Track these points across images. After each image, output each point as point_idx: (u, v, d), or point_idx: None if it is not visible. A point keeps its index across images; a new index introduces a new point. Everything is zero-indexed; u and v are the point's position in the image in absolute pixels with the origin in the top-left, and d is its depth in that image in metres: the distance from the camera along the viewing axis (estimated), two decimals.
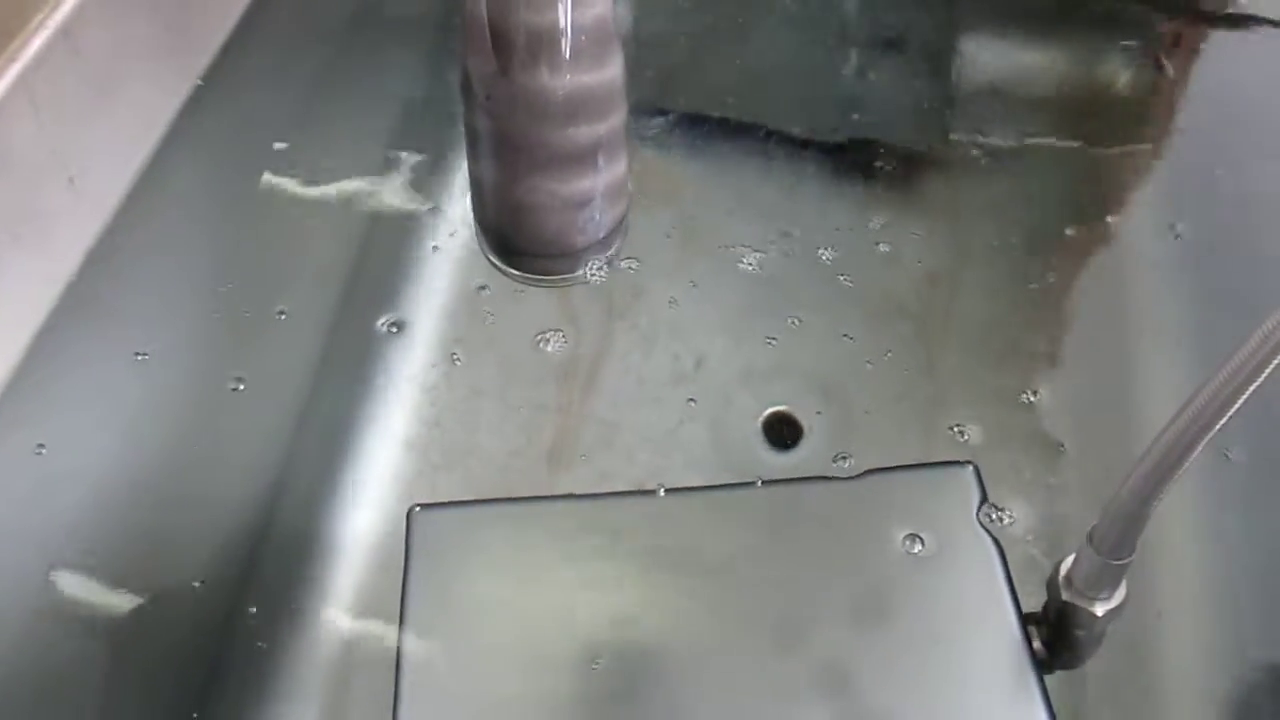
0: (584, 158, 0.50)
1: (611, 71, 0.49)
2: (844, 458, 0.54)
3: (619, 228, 0.55)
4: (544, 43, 0.46)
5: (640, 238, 0.62)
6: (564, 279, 0.55)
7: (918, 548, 0.49)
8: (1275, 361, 0.33)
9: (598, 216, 0.53)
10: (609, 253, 0.55)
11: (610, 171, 0.52)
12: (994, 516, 0.50)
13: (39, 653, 0.48)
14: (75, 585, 0.49)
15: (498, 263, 0.55)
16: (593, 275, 0.54)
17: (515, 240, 0.54)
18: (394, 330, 0.60)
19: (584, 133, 0.49)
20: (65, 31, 0.57)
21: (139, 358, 0.58)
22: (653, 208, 0.66)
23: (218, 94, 0.69)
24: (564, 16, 0.45)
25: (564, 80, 0.47)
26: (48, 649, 0.48)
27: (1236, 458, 0.54)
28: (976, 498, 0.51)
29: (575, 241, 0.53)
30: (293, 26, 0.76)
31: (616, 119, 0.50)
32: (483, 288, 0.62)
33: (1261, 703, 0.47)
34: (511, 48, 0.46)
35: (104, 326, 0.59)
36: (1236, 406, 0.34)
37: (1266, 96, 0.75)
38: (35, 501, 0.52)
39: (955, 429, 0.55)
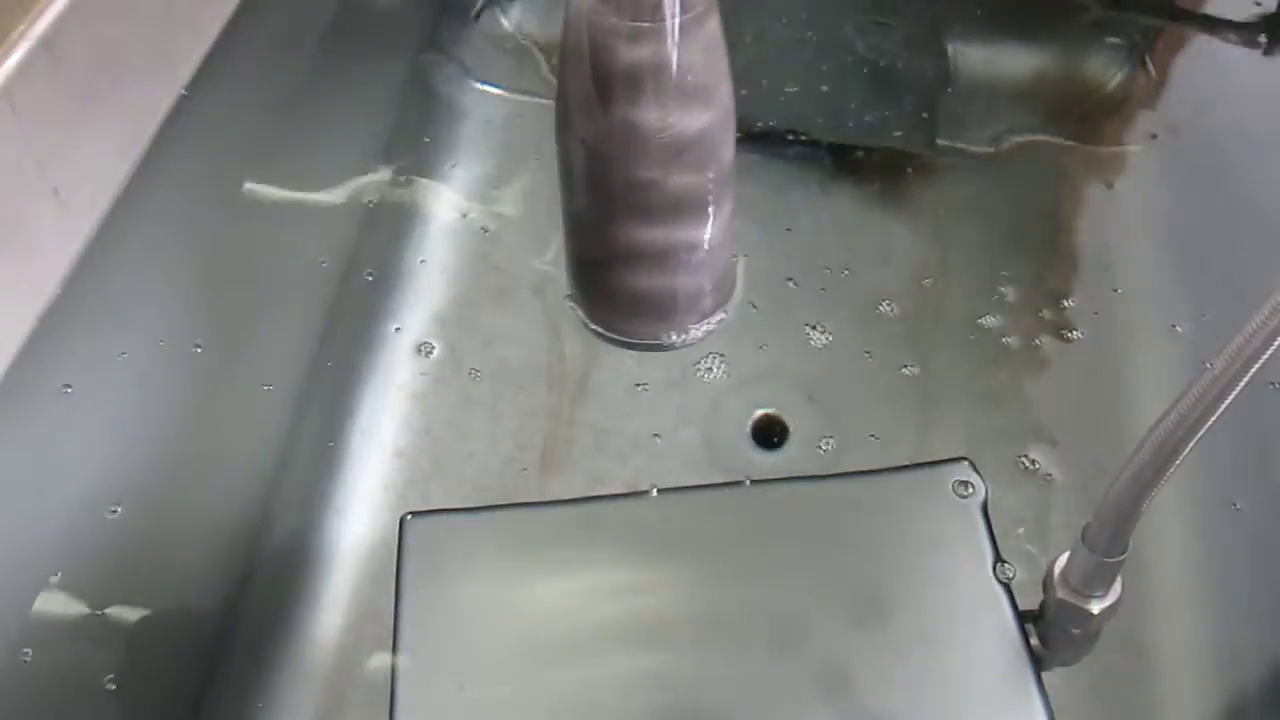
0: (691, 205, 0.46)
1: (721, 110, 0.44)
2: (836, 457, 0.54)
3: (726, 286, 0.50)
4: (648, 77, 0.42)
5: None
6: (660, 344, 0.50)
7: (913, 545, 0.49)
8: (1265, 356, 0.33)
9: (703, 272, 0.48)
10: (713, 317, 0.50)
11: (719, 221, 0.47)
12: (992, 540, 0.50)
13: (29, 663, 0.47)
14: (67, 596, 0.49)
15: (587, 320, 0.50)
16: (690, 341, 0.49)
17: (610, 294, 0.49)
18: (383, 339, 0.60)
19: (689, 177, 0.45)
20: (47, 42, 0.57)
21: (127, 368, 0.58)
22: None
23: (202, 103, 0.69)
24: (672, 50, 0.41)
25: (668, 118, 0.42)
26: (39, 659, 0.47)
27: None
28: (972, 494, 0.51)
29: (676, 302, 0.49)
30: (277, 36, 0.76)
31: (725, 163, 0.46)
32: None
33: (1255, 698, 0.48)
34: (613, 81, 0.42)
35: (91, 338, 0.59)
36: (1227, 403, 0.34)
37: (1249, 94, 0.75)
38: (25, 511, 0.52)
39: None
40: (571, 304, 0.50)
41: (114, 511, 0.52)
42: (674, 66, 0.42)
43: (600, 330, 0.50)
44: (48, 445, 0.55)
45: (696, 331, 0.50)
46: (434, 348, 0.60)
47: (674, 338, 0.50)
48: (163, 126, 0.66)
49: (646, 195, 0.45)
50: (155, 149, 0.65)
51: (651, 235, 0.46)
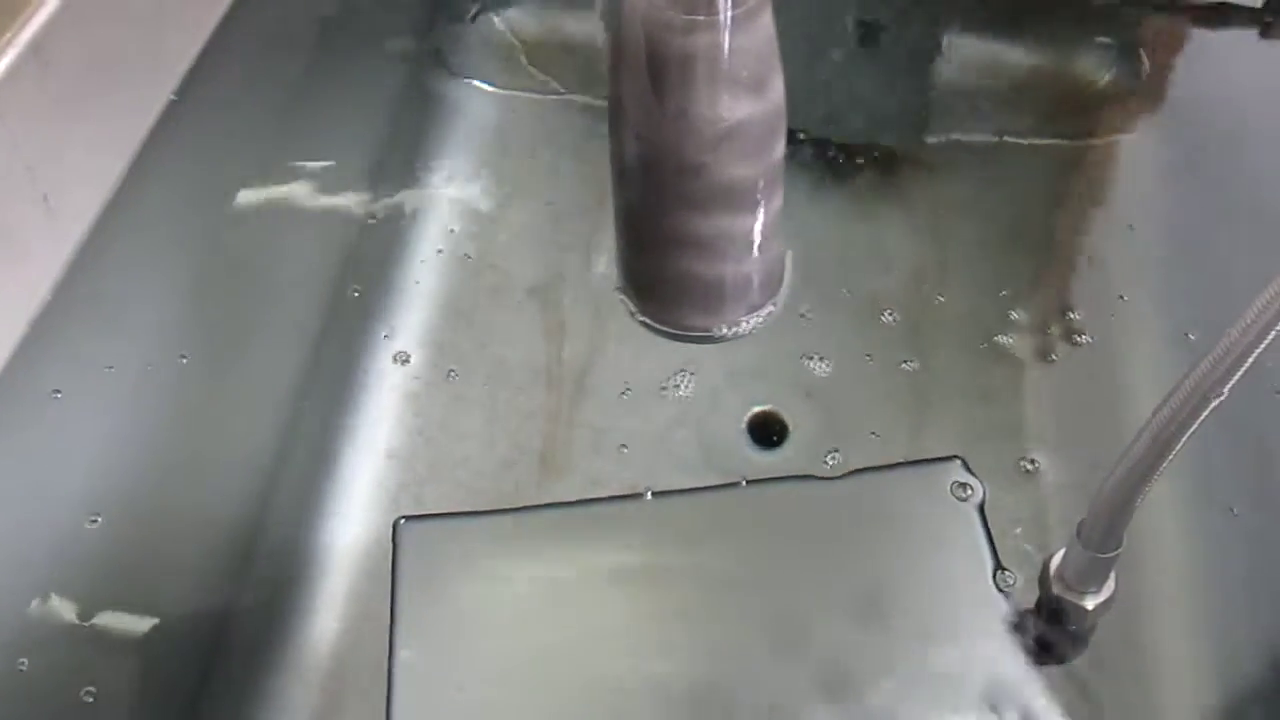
0: (742, 195, 0.47)
1: (774, 101, 0.46)
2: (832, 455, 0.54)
3: (774, 279, 0.52)
4: (702, 69, 0.43)
5: None
6: (710, 335, 0.51)
7: (909, 545, 0.49)
8: (1258, 351, 0.33)
9: (753, 264, 0.49)
10: (762, 310, 0.51)
11: (769, 213, 0.48)
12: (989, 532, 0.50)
13: (25, 672, 0.47)
14: (61, 603, 0.49)
15: (637, 312, 0.52)
16: (741, 333, 0.50)
17: (660, 285, 0.51)
18: (377, 342, 0.60)
19: (742, 167, 0.46)
20: (36, 47, 0.57)
21: (120, 374, 0.58)
22: None
23: (192, 108, 0.69)
24: (725, 42, 0.43)
25: (720, 109, 0.44)
26: (35, 667, 0.47)
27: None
28: (970, 496, 0.51)
29: (724, 292, 0.50)
30: (267, 39, 0.76)
31: (777, 154, 0.48)
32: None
33: (1254, 696, 0.47)
34: (668, 71, 0.43)
35: (83, 343, 0.59)
36: (1220, 399, 0.34)
37: (1246, 90, 0.75)
38: (16, 517, 0.52)
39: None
40: (621, 297, 0.51)
41: (96, 520, 0.52)
42: (726, 58, 0.43)
43: (649, 322, 0.51)
44: (38, 451, 0.55)
45: (746, 324, 0.51)
46: (429, 350, 0.59)
47: (724, 330, 0.51)
48: (153, 131, 0.66)
49: (697, 182, 0.46)
50: (145, 153, 0.65)
51: (702, 223, 0.48)
